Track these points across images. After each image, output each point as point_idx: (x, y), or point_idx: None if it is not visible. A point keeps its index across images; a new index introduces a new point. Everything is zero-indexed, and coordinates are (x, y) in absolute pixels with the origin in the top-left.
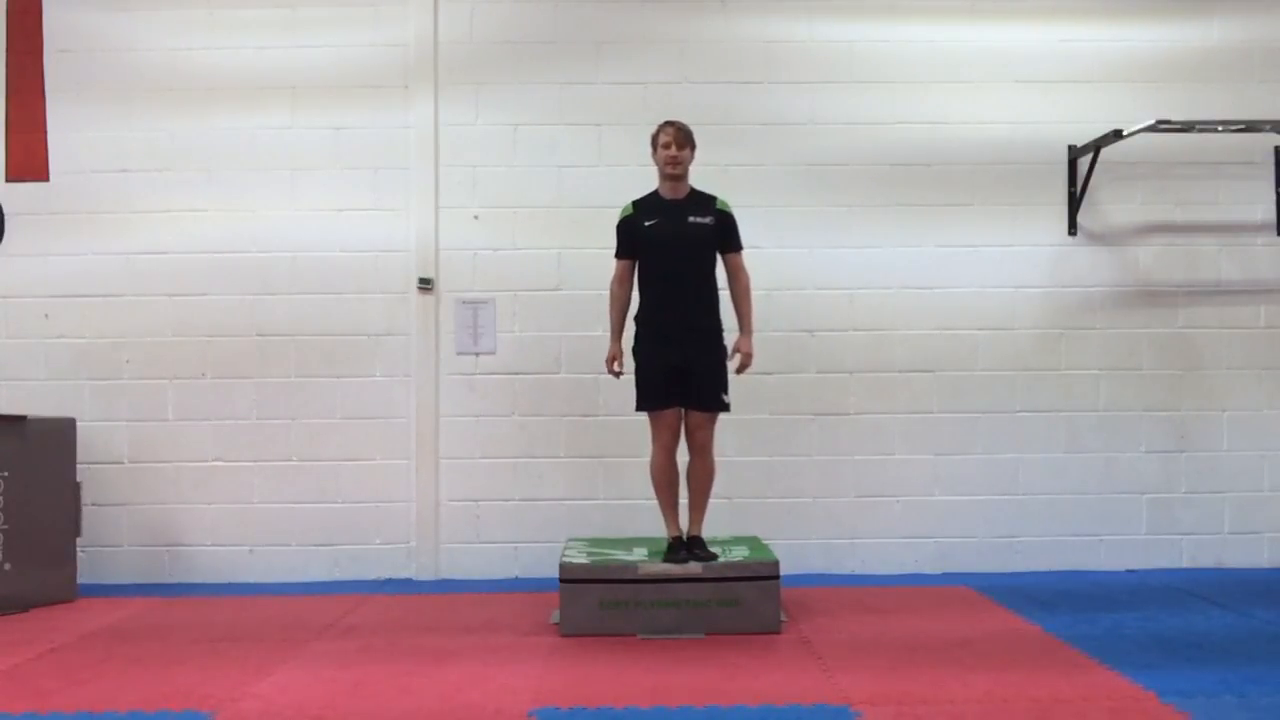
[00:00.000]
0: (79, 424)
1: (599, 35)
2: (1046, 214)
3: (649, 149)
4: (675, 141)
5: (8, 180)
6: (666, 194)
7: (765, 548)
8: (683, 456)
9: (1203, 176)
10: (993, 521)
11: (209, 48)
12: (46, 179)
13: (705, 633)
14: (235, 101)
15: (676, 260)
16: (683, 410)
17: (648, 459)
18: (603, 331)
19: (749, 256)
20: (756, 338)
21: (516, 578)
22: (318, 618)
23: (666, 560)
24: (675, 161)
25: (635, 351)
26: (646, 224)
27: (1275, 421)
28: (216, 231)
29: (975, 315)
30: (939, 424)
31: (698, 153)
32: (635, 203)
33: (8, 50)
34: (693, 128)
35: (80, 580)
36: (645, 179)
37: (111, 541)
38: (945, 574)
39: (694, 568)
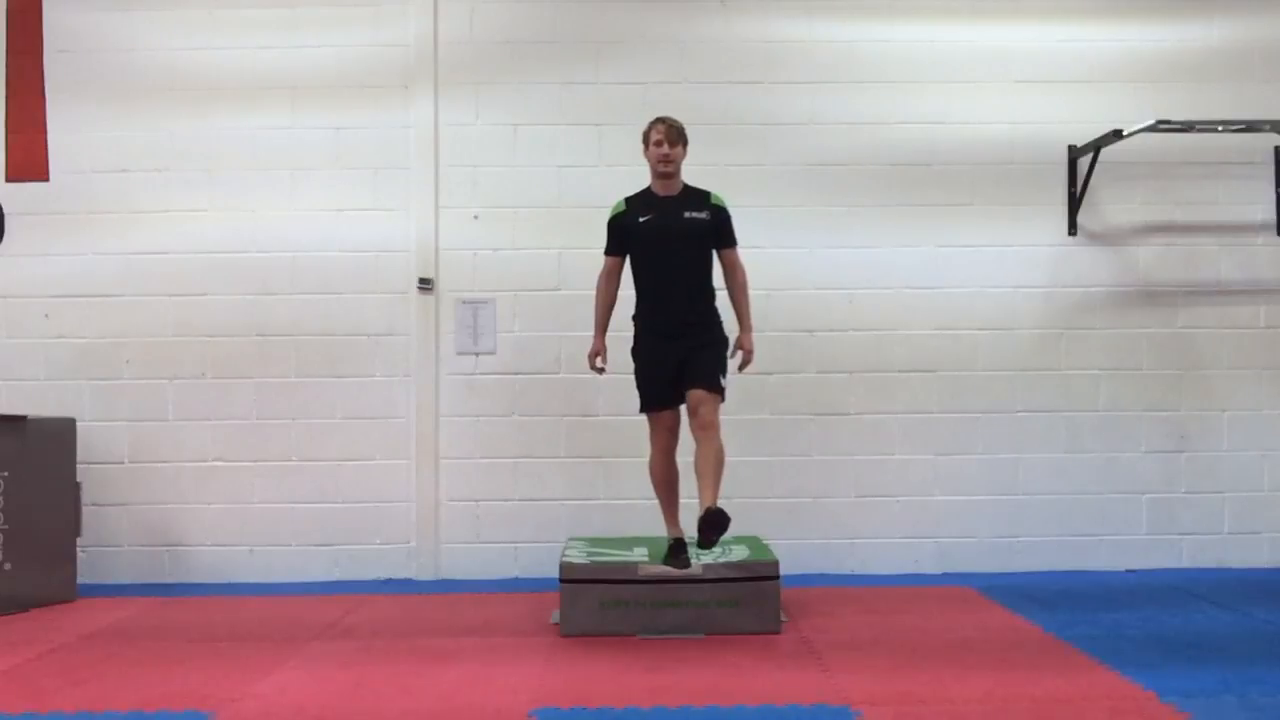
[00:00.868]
0: (79, 424)
1: (599, 35)
2: (1046, 214)
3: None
4: (667, 139)
5: (8, 180)
6: (659, 191)
7: (765, 548)
8: (683, 458)
9: (1203, 176)
10: (993, 521)
11: (209, 48)
12: (46, 179)
13: (705, 633)
14: (235, 101)
15: (672, 256)
16: (679, 409)
17: (647, 459)
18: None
19: (749, 256)
20: (756, 338)
21: (516, 578)
22: (318, 618)
23: (667, 563)
24: (667, 160)
25: (634, 352)
26: (641, 220)
27: (1275, 421)
28: (216, 231)
29: (975, 315)
30: (939, 424)
31: (698, 153)
32: (627, 200)
33: (8, 50)
34: (693, 128)
35: (80, 580)
36: (645, 179)
37: (111, 541)
38: (945, 574)
39: (695, 569)
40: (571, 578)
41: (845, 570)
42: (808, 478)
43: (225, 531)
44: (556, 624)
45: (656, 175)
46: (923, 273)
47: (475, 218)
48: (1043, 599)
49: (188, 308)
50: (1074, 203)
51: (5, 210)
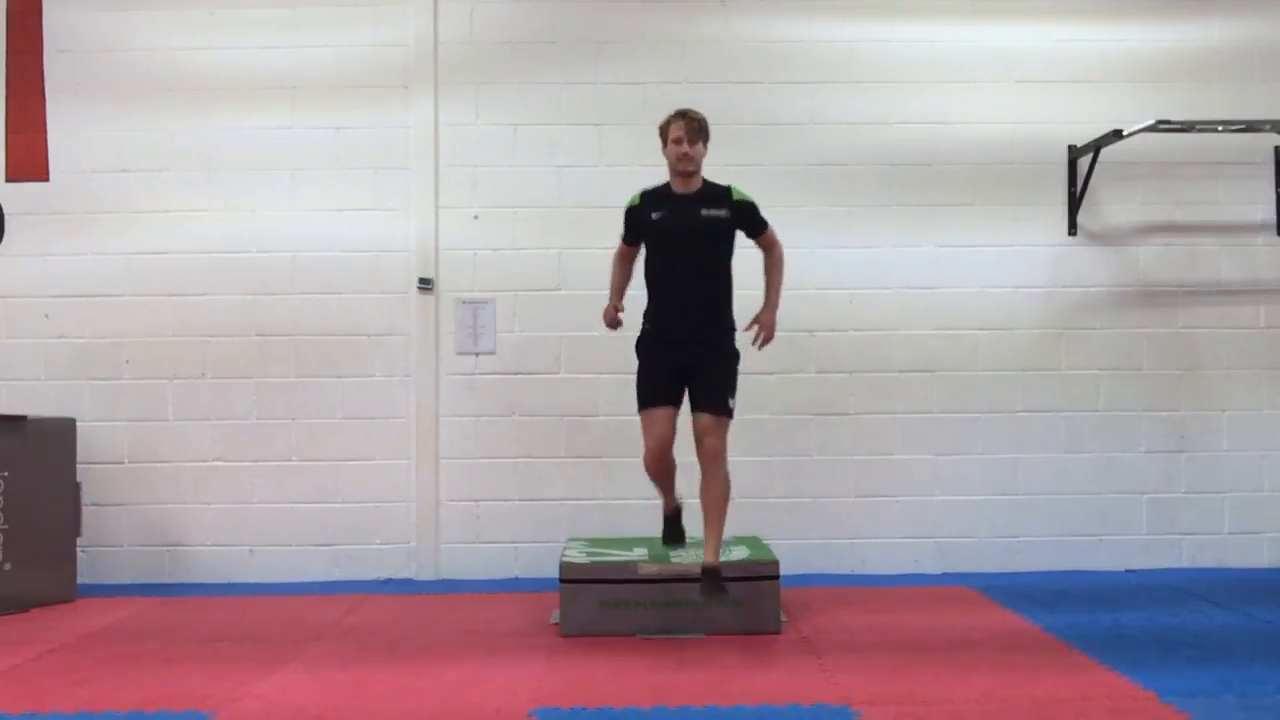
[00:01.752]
0: (79, 424)
1: (599, 35)
2: (1046, 214)
3: (658, 142)
4: (687, 136)
5: (8, 180)
6: (677, 188)
7: (765, 548)
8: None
9: (1203, 176)
10: (993, 521)
11: (209, 48)
12: (46, 179)
13: (705, 633)
14: (235, 101)
15: (686, 257)
16: (676, 413)
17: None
18: (601, 333)
19: (750, 256)
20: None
21: (516, 578)
22: (318, 618)
23: (665, 540)
24: (686, 158)
25: (638, 349)
26: (653, 215)
27: (1275, 421)
28: (216, 231)
29: (975, 315)
30: (939, 424)
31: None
32: (644, 193)
33: (8, 50)
34: None
35: (80, 580)
36: (645, 179)
37: (111, 541)
38: (945, 574)
39: (693, 568)
40: (571, 577)
41: (845, 570)
42: (808, 478)
43: (225, 531)
44: (556, 624)
45: (675, 173)
46: (923, 273)
47: (475, 218)
48: (1043, 599)
49: (188, 308)
50: (1074, 203)
51: (5, 210)
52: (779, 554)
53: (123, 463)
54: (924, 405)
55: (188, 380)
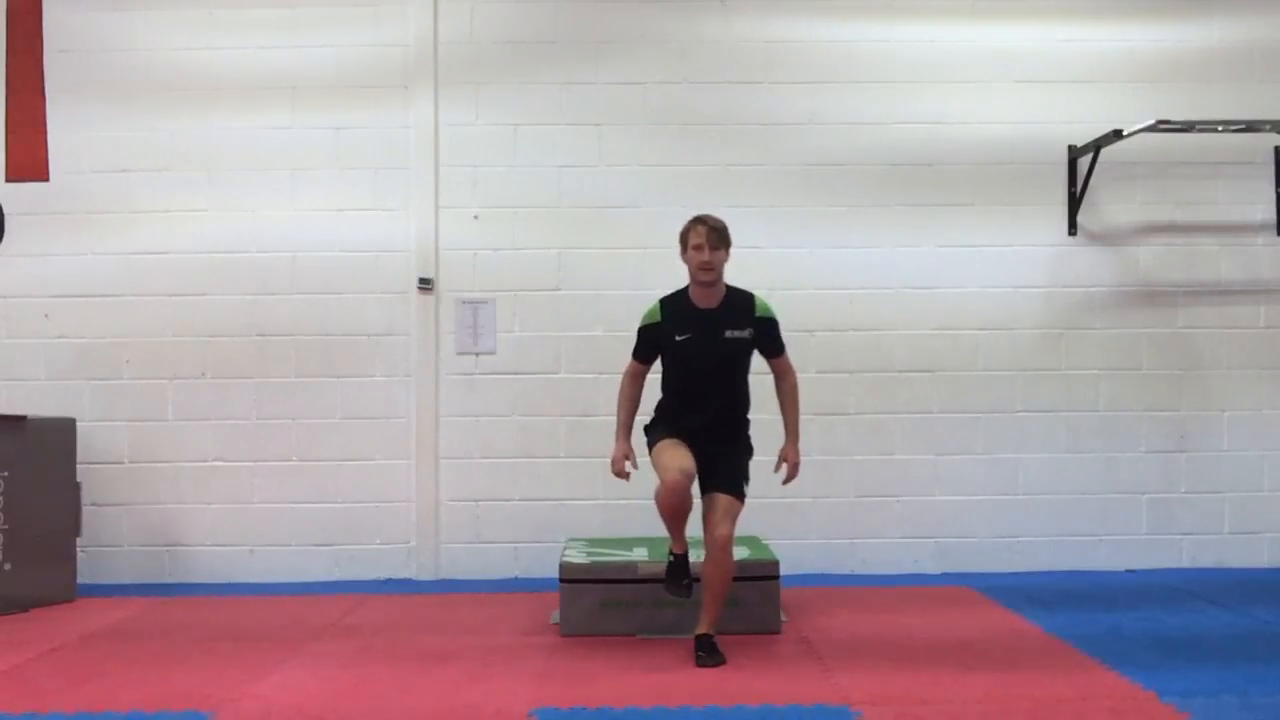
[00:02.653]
0: (79, 424)
1: (599, 35)
2: (1046, 214)
3: (658, 142)
4: (708, 243)
5: (8, 180)
6: (699, 301)
7: (765, 548)
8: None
9: (1203, 176)
10: (993, 521)
11: (209, 48)
12: (46, 179)
13: None
14: (235, 101)
15: (707, 377)
16: (694, 463)
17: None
18: (602, 332)
19: (749, 256)
20: None
21: (516, 578)
22: (318, 618)
23: (666, 587)
24: (708, 267)
25: (649, 429)
26: (679, 338)
27: (1275, 421)
28: (216, 231)
29: (975, 315)
30: (939, 424)
31: (699, 154)
32: (663, 304)
33: (8, 50)
34: (693, 128)
35: (80, 580)
36: (645, 179)
37: (111, 541)
38: (945, 574)
39: (694, 568)
40: (571, 578)
41: (845, 570)
42: (808, 478)
43: (225, 531)
44: (556, 624)
45: (696, 283)
46: (923, 273)
47: (475, 218)
48: (1043, 599)
49: (188, 308)
50: (1074, 203)
51: (5, 210)
52: (779, 554)
53: (123, 463)
54: (924, 405)
55: (188, 380)
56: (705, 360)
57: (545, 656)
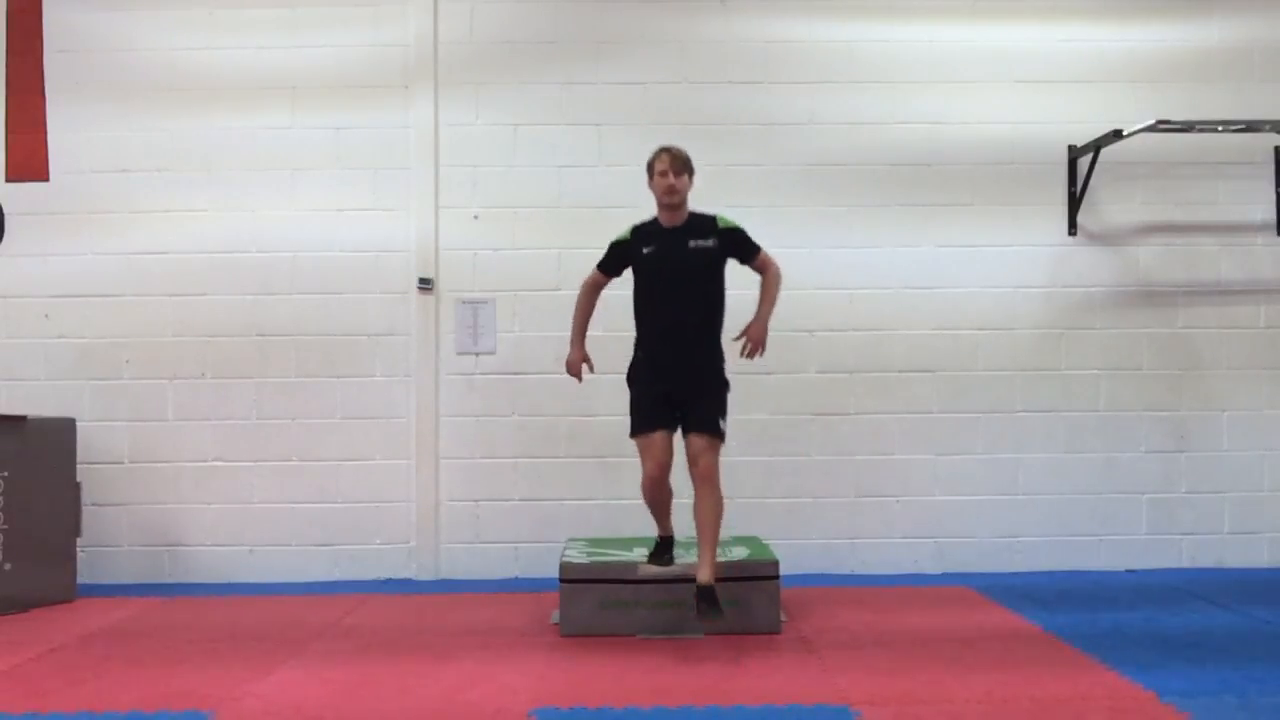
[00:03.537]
0: (79, 424)
1: (599, 35)
2: (1046, 214)
3: (658, 142)
4: (671, 169)
5: (8, 180)
6: (666, 222)
7: (765, 547)
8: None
9: (1203, 176)
10: (993, 521)
11: (209, 48)
12: (46, 179)
13: (705, 633)
14: (235, 101)
15: (676, 289)
16: (672, 438)
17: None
18: (602, 332)
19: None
20: None
21: (516, 578)
22: (318, 618)
23: (651, 561)
24: (672, 190)
25: (630, 378)
26: (644, 251)
27: (1275, 421)
28: (216, 231)
29: (975, 315)
30: (939, 424)
31: (699, 154)
32: (635, 228)
33: (8, 50)
34: (693, 128)
35: (80, 580)
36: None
37: (111, 541)
38: (945, 574)
39: (692, 568)
40: (571, 577)
41: (845, 570)
42: (808, 478)
43: (225, 531)
44: (556, 624)
45: (662, 206)
46: (923, 273)
47: (475, 218)
48: (1043, 599)
49: (188, 308)
50: (1074, 203)
51: (5, 210)
52: (779, 554)
53: (123, 463)
54: (924, 405)
55: (188, 380)
56: (671, 269)
57: (545, 656)
